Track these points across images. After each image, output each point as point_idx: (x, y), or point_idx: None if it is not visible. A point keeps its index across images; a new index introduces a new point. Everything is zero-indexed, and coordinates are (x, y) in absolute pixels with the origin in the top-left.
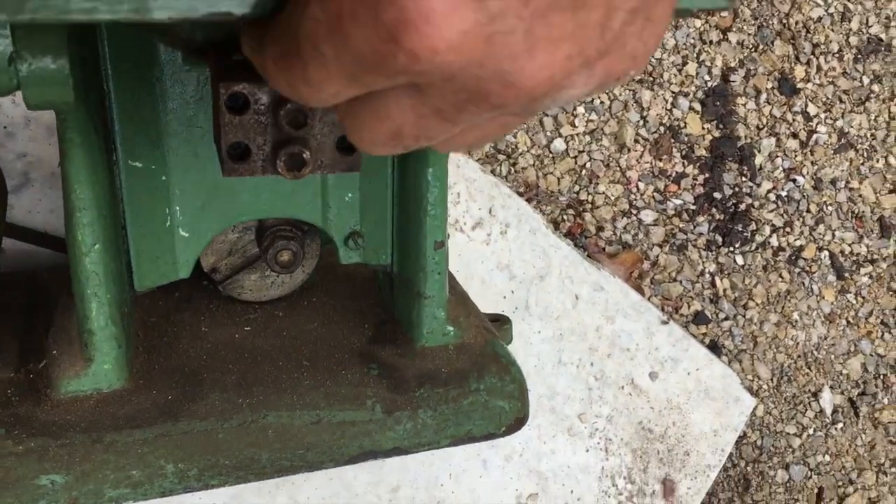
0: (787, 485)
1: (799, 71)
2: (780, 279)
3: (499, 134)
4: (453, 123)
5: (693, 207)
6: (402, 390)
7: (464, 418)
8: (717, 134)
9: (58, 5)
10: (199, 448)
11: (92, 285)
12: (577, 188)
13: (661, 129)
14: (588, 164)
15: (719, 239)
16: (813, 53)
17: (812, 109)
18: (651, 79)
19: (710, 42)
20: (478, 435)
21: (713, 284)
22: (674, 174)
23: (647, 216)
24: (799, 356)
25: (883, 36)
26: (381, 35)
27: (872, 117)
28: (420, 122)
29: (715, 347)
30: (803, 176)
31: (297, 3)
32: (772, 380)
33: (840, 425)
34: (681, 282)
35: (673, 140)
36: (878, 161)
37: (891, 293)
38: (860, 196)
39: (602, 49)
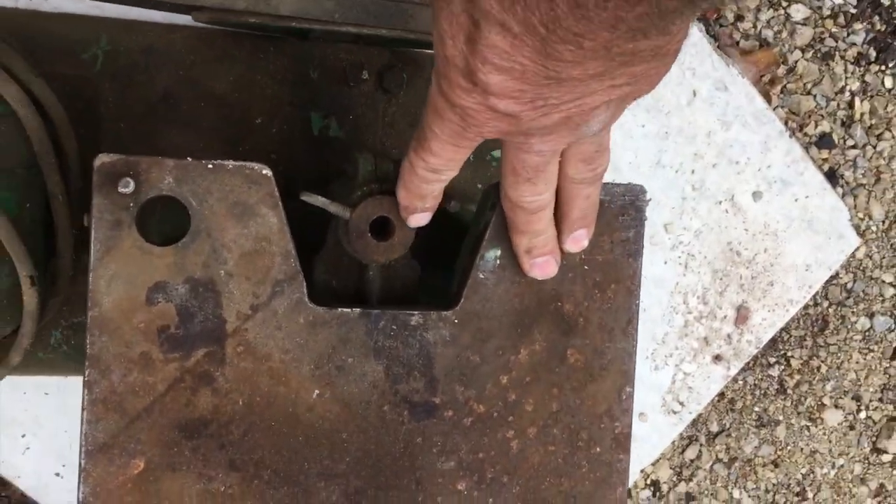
0: (867, 334)
1: None
2: None
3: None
4: (537, 154)
5: (853, 11)
6: None
7: None
8: None
9: None
10: None
11: None
12: None
13: None
14: None
15: (873, 53)
16: None
17: None
18: None
19: None
20: None
21: (850, 105)
22: None
23: (798, 12)
24: None
25: None
26: (458, 118)
27: None
28: (521, 160)
29: (832, 176)
30: None
31: (423, 110)
32: (884, 222)
33: None
34: (815, 96)
35: None
36: None
37: None
38: None
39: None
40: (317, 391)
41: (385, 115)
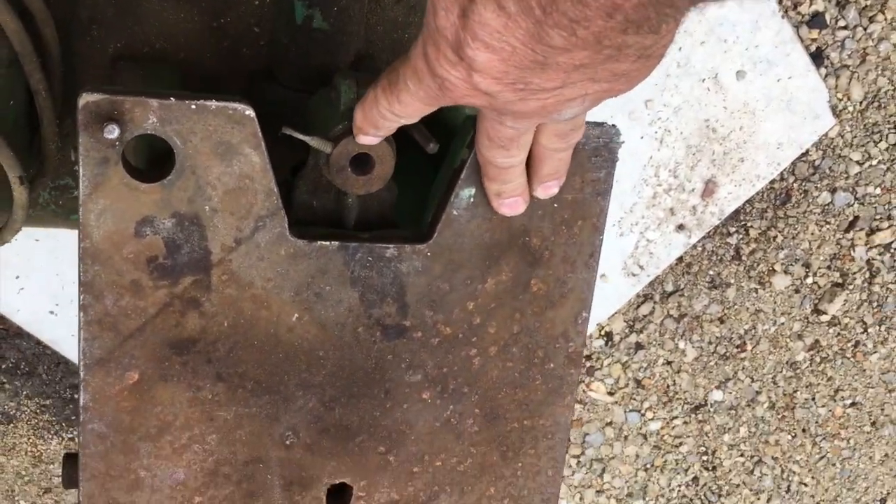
0: (826, 208)
1: None
2: None
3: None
4: (511, 129)
5: None
6: None
7: None
8: None
9: None
10: None
11: None
12: None
13: None
14: None
15: None
16: None
17: None
18: None
19: None
20: None
21: None
22: None
23: None
24: None
25: None
26: (436, 86)
27: None
28: (496, 130)
29: (819, 57)
30: None
31: (403, 57)
32: (861, 103)
33: None
34: None
35: None
36: None
37: None
38: None
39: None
40: (296, 315)
41: (371, 10)
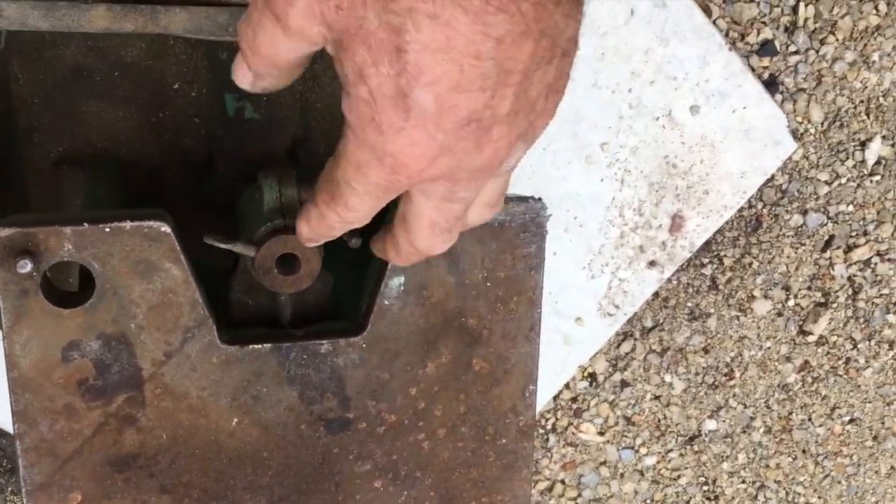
0: (799, 230)
1: None
2: (875, 12)
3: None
4: (462, 201)
5: None
6: None
7: None
8: None
9: None
10: None
11: None
12: None
13: None
14: None
15: None
16: None
17: None
18: None
19: None
20: None
21: (795, 11)
22: None
23: None
24: (861, 101)
25: None
26: (386, 173)
27: None
28: (444, 210)
29: (773, 83)
30: None
31: (335, 161)
32: (822, 124)
33: (877, 178)
34: (758, 3)
35: None
36: None
37: None
38: None
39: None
40: (235, 419)
41: (301, 94)
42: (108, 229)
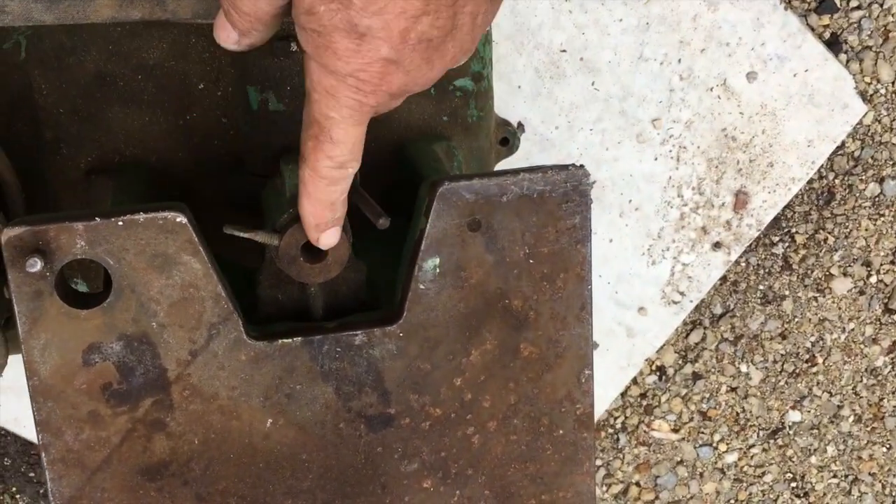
0: (876, 199)
1: None
2: None
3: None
4: None
5: None
6: None
7: None
8: None
9: None
10: None
11: None
12: None
13: None
14: None
15: None
16: None
17: None
18: None
19: None
20: None
21: None
22: None
23: None
24: None
25: None
26: (352, 91)
27: None
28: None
29: (835, 43)
30: None
31: (307, 100)
32: (893, 83)
33: None
34: None
35: None
36: None
37: None
38: None
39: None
40: (270, 420)
41: None
42: (121, 223)
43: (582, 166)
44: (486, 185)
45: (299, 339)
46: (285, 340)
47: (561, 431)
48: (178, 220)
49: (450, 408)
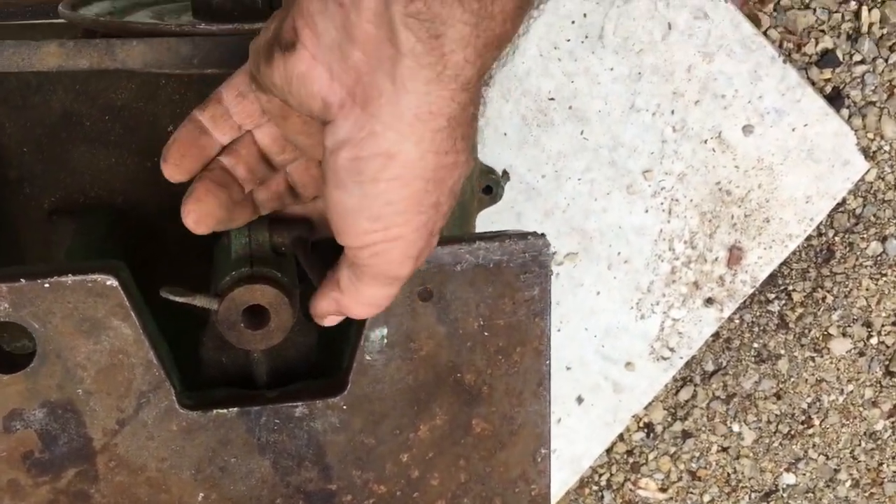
0: (878, 258)
1: None
2: None
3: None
4: None
5: None
6: None
7: None
8: None
9: None
10: None
11: None
12: None
13: None
14: None
15: None
16: None
17: None
18: None
19: None
20: None
21: (857, 16)
22: None
23: None
24: None
25: None
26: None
27: None
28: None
29: (837, 97)
30: None
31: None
32: None
33: None
34: (814, 9)
35: None
36: None
37: None
38: None
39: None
40: (202, 494)
41: None
42: (47, 285)
43: (543, 235)
44: (439, 253)
45: (235, 409)
46: (220, 410)
47: None
48: (109, 283)
49: (395, 485)
